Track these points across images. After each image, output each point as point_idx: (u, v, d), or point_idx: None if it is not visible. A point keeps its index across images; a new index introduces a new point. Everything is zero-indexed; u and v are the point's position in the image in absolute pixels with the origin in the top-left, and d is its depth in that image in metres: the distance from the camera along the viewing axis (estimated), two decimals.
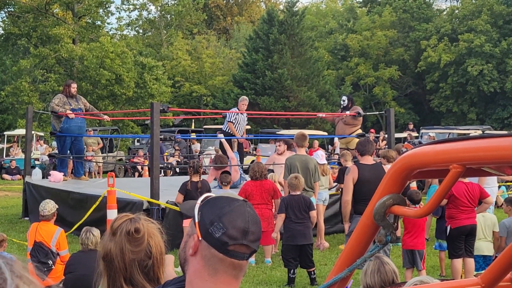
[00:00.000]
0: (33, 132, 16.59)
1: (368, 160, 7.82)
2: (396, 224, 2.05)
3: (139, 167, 23.38)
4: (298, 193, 8.46)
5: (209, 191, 9.15)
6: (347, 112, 14.59)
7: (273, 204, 9.32)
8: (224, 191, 9.70)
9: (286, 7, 40.21)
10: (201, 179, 9.33)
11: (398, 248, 8.81)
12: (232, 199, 1.97)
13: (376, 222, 2.00)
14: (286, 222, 8.33)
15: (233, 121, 14.44)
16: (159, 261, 2.39)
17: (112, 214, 9.07)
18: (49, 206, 7.54)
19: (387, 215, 1.99)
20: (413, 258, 7.86)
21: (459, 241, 7.98)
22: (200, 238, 1.90)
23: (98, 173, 23.40)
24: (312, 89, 36.50)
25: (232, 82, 40.35)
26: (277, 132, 26.32)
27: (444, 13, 49.42)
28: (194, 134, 27.29)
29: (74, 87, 14.16)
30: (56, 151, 15.16)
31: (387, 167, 9.28)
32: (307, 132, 26.24)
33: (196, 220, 1.93)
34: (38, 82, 35.17)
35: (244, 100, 14.57)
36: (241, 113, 14.42)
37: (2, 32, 39.28)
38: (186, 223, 8.86)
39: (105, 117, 15.45)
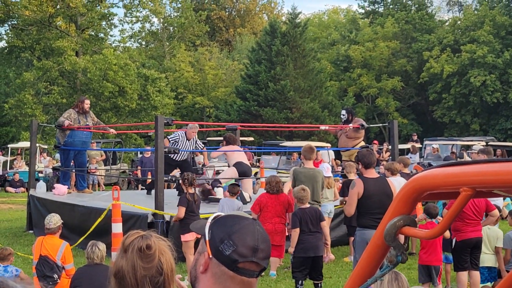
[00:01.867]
0: (37, 144, 16.62)
1: (372, 173, 7.80)
2: (406, 244, 2.07)
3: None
4: (308, 205, 8.49)
5: (200, 203, 9.20)
6: (350, 125, 14.56)
7: (287, 217, 9.33)
8: (231, 200, 9.77)
9: (289, 19, 40.32)
10: (195, 191, 9.34)
11: (413, 260, 8.72)
12: (241, 218, 2.02)
13: (387, 243, 2.01)
14: (299, 235, 8.34)
15: (171, 141, 13.18)
16: (170, 278, 2.38)
17: (116, 227, 9.09)
18: (54, 220, 7.56)
19: (398, 236, 2.00)
20: (429, 273, 7.87)
21: (465, 253, 7.99)
22: (210, 256, 1.94)
23: (99, 185, 23.39)
24: (315, 100, 36.52)
25: (235, 94, 40.40)
26: (280, 144, 26.34)
27: (447, 24, 49.47)
28: None
29: (87, 103, 14.12)
30: (59, 164, 15.20)
31: (391, 179, 9.31)
32: (311, 144, 26.27)
33: (207, 238, 1.98)
34: (41, 94, 35.27)
35: (193, 128, 13.52)
36: (186, 139, 13.30)
37: (6, 45, 39.45)
38: (185, 238, 8.86)
39: (112, 130, 15.49)
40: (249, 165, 12.82)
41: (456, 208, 1.84)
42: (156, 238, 2.36)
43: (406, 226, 1.99)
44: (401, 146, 22.63)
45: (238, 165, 12.42)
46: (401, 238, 2.05)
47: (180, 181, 9.38)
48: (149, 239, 2.32)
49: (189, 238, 8.84)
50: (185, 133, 13.37)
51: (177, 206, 9.13)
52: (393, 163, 10.70)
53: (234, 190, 9.96)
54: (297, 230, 8.29)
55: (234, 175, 12.53)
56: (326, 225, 8.64)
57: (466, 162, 1.88)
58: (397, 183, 8.65)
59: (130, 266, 2.29)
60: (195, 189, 9.34)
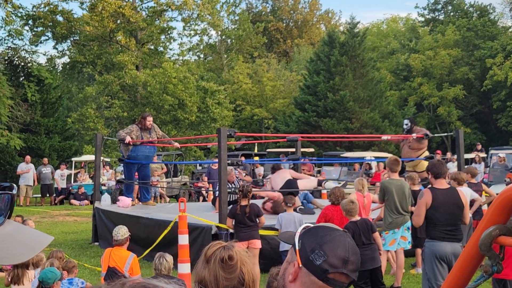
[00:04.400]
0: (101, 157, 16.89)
1: (443, 183, 7.59)
2: (502, 254, 1.99)
3: (203, 192, 23.49)
4: (359, 218, 8.34)
5: (257, 215, 9.16)
6: (414, 134, 14.27)
7: None
8: (290, 214, 9.67)
9: (347, 29, 40.13)
10: (249, 203, 9.31)
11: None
12: (332, 229, 2.03)
13: (482, 252, 1.94)
14: None
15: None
16: None
17: (183, 239, 9.11)
18: (122, 231, 7.62)
19: (493, 245, 1.93)
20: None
21: None
22: (300, 265, 1.95)
23: (161, 197, 23.61)
24: (375, 110, 36.18)
25: (294, 105, 40.38)
26: (341, 155, 26.13)
27: (510, 30, 48.43)
28: (257, 157, 27.34)
29: (149, 121, 14.20)
30: (123, 177, 15.39)
31: (458, 189, 9.09)
32: (372, 154, 25.98)
33: (297, 248, 1.98)
34: (103, 108, 35.94)
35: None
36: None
37: (68, 60, 40.42)
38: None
39: (176, 144, 15.59)
40: (287, 178, 12.87)
41: None
42: (238, 249, 2.36)
43: (502, 236, 1.91)
44: (465, 156, 22.19)
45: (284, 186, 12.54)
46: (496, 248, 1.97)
47: (238, 192, 9.38)
48: (231, 250, 2.37)
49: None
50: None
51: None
52: (459, 173, 10.46)
53: (291, 201, 9.81)
54: None
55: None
56: (378, 236, 8.47)
57: None
58: (463, 192, 8.45)
59: (212, 277, 2.33)
60: (249, 200, 9.30)
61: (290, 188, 12.30)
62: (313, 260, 1.92)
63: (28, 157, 25.50)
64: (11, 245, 1.17)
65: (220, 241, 2.43)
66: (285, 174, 13.07)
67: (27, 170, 24.70)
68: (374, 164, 24.41)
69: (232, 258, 2.32)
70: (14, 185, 1.30)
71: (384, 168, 18.87)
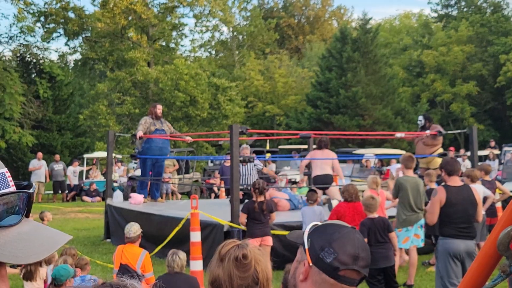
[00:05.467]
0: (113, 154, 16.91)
1: (456, 181, 7.53)
2: None
3: (215, 188, 23.51)
4: (376, 215, 8.29)
5: (272, 211, 9.16)
6: (428, 132, 14.17)
7: None
8: (311, 208, 9.65)
9: (359, 25, 40.01)
10: (265, 199, 9.30)
11: None
12: (340, 226, 2.03)
13: (499, 252, 1.92)
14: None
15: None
16: (265, 287, 2.43)
17: (195, 236, 9.10)
18: (134, 228, 7.61)
19: (511, 245, 1.91)
20: None
21: None
22: (310, 264, 1.96)
23: (173, 194, 23.64)
24: (388, 107, 36.07)
25: (306, 101, 40.33)
26: (353, 152, 26.05)
27: None
28: (269, 154, 27.31)
29: (159, 108, 14.59)
30: (135, 174, 15.42)
31: (471, 186, 9.03)
32: (384, 151, 25.86)
33: (306, 247, 1.99)
34: (114, 105, 36.05)
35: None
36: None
37: (80, 57, 40.56)
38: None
39: (188, 138, 15.72)
40: (328, 173, 12.55)
41: None
42: (252, 247, 2.37)
43: None
44: (478, 153, 22.01)
45: (314, 180, 12.40)
46: None
47: (251, 189, 9.35)
48: (245, 249, 2.37)
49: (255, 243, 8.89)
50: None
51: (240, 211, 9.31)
52: (473, 170, 10.41)
53: (312, 197, 9.84)
54: (365, 240, 8.06)
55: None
56: (394, 236, 8.41)
57: None
58: (477, 190, 8.41)
59: (226, 275, 2.33)
60: (265, 197, 9.29)
61: (321, 183, 12.23)
62: (323, 258, 1.93)
63: (40, 154, 25.60)
64: (26, 244, 1.18)
65: (234, 240, 2.45)
66: (327, 165, 12.53)
67: (39, 167, 24.81)
68: (373, 161, 24.35)
69: (247, 257, 2.33)
70: (33, 184, 1.30)
71: (387, 164, 18.79)
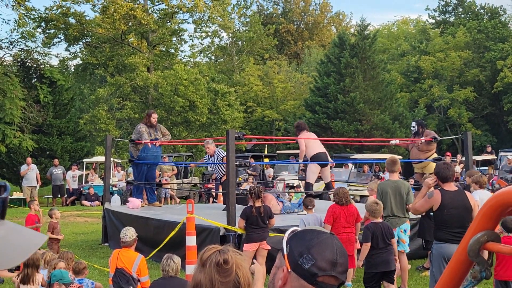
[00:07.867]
0: (111, 159, 16.97)
1: (451, 186, 7.61)
2: (490, 260, 2.02)
3: (213, 193, 23.54)
4: (381, 220, 8.37)
5: (270, 217, 9.22)
6: (422, 138, 14.21)
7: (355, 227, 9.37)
8: (310, 215, 9.72)
9: (357, 31, 40.08)
10: (263, 204, 9.37)
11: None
12: (319, 232, 2.02)
13: (470, 258, 1.97)
14: (369, 250, 8.23)
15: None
16: None
17: (191, 240, 9.17)
18: (130, 233, 7.70)
19: (481, 251, 1.97)
20: None
21: None
22: (289, 270, 1.96)
23: (171, 198, 23.69)
24: (385, 112, 36.11)
25: (304, 106, 40.36)
26: (350, 157, 26.12)
27: None
28: (267, 159, 27.37)
29: (154, 117, 14.50)
30: (133, 178, 15.49)
31: (479, 192, 9.11)
32: (382, 156, 25.92)
33: (285, 253, 1.99)
34: (114, 110, 36.09)
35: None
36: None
37: (80, 62, 40.58)
38: (245, 248, 8.97)
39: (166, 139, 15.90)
40: (325, 151, 12.97)
41: None
42: (233, 252, 2.39)
43: (490, 242, 1.94)
44: (476, 158, 22.07)
45: (316, 158, 12.66)
46: (485, 253, 2.00)
47: (248, 194, 9.43)
48: (226, 254, 2.36)
49: (248, 248, 8.99)
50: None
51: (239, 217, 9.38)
52: (481, 176, 10.31)
53: (311, 203, 9.88)
54: (368, 244, 8.16)
55: (317, 170, 12.93)
56: (394, 242, 8.50)
57: None
58: (484, 196, 8.51)
59: (208, 281, 2.32)
60: (262, 202, 9.37)
61: (324, 159, 12.67)
62: (302, 264, 1.92)
63: (29, 159, 25.57)
64: (3, 249, 1.15)
65: (215, 245, 2.44)
66: (320, 144, 13.17)
67: (25, 171, 24.69)
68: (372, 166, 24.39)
69: (228, 262, 2.32)
70: (8, 185, 1.28)
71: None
